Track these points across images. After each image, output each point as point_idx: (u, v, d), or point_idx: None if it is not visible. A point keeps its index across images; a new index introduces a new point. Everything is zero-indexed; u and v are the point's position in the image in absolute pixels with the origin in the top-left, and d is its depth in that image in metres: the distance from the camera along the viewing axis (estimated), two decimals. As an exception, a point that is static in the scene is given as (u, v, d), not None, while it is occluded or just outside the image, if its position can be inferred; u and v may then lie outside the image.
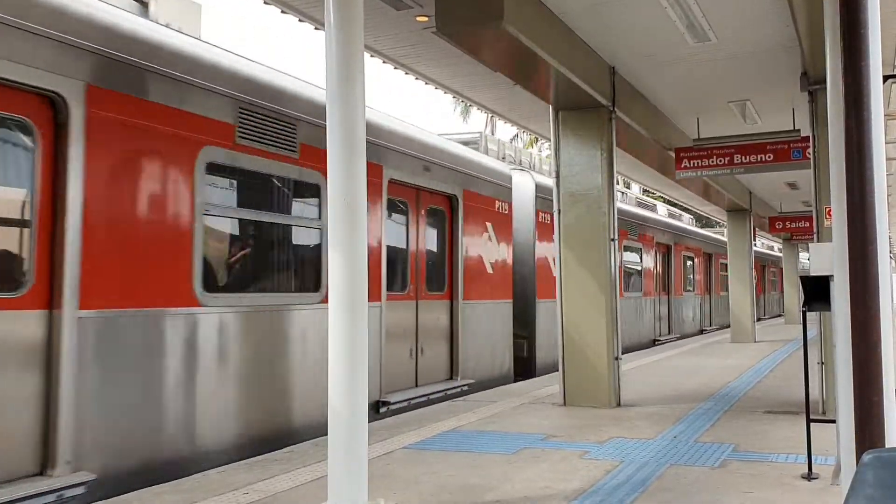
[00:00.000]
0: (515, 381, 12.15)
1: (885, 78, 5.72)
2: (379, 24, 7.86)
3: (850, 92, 3.71)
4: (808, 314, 5.90)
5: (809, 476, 5.75)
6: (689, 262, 25.10)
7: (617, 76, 9.77)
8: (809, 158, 8.94)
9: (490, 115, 17.27)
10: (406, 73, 9.45)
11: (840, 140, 3.95)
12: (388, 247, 9.25)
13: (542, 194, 13.39)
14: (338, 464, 4.71)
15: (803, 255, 34.49)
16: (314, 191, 7.87)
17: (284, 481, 5.74)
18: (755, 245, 27.63)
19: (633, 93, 10.51)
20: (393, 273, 9.47)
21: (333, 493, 4.70)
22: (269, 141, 7.25)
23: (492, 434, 7.60)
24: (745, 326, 20.60)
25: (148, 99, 6.06)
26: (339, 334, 4.78)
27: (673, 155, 12.24)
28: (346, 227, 4.80)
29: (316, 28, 7.74)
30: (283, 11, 7.61)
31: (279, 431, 7.30)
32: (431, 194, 10.44)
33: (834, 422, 5.27)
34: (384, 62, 8.98)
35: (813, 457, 5.88)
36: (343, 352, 4.76)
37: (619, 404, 9.40)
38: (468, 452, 6.76)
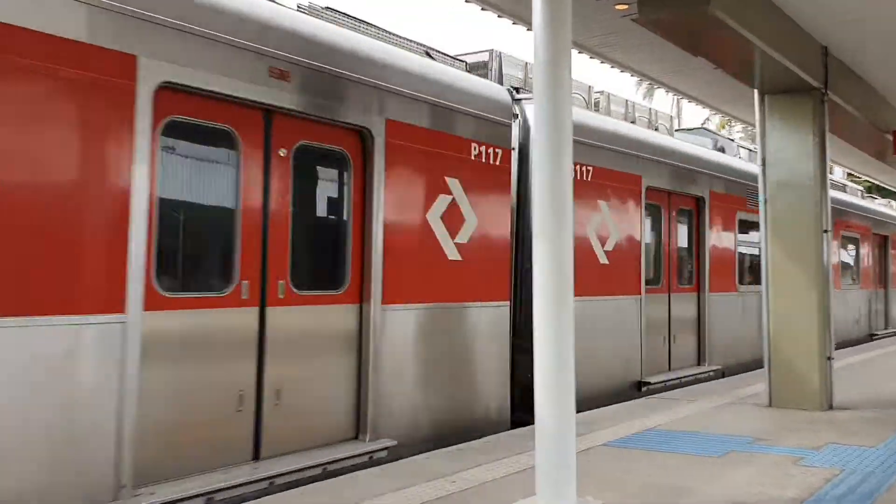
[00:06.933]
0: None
1: None
2: (576, 15, 7.76)
3: None
4: None
5: None
6: None
7: (829, 56, 9.09)
8: None
9: (678, 97, 16.63)
10: (602, 62, 9.29)
11: None
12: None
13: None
14: (546, 457, 4.71)
15: None
16: None
17: (487, 472, 5.83)
18: None
19: (847, 73, 9.74)
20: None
21: (542, 486, 4.70)
22: None
23: (694, 434, 7.34)
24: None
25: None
26: (545, 327, 4.78)
27: (890, 138, 11.29)
28: (552, 221, 4.78)
29: (528, 30, 7.94)
30: (499, 16, 7.88)
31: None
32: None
33: None
34: (580, 52, 8.86)
35: None
36: (550, 344, 4.75)
37: (830, 407, 8.79)
38: (671, 453, 6.57)
